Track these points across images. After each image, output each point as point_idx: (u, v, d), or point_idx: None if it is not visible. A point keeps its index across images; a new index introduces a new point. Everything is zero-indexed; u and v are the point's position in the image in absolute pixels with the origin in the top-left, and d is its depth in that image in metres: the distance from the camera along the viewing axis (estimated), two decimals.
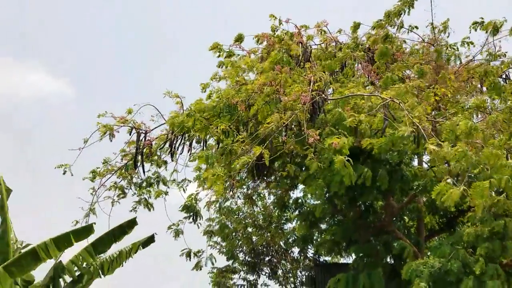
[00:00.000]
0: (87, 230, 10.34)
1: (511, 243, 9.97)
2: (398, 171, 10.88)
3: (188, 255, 14.45)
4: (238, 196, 15.98)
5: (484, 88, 10.40)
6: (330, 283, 12.00)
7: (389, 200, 11.94)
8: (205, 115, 9.36)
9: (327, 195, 11.78)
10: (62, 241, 10.23)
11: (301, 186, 16.20)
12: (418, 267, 9.37)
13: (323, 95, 8.79)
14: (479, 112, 10.54)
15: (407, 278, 9.56)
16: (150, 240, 12.32)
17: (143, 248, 12.25)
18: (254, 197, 16.60)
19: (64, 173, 9.51)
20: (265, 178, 14.93)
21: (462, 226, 10.88)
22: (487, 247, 9.65)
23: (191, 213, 12.53)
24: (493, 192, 9.80)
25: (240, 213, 17.53)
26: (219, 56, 10.85)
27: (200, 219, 12.91)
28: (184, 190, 12.19)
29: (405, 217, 13.78)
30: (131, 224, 11.10)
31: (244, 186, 16.24)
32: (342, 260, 17.03)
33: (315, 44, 11.37)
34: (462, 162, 7.10)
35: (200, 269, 18.31)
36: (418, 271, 9.30)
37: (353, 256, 13.18)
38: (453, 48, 10.76)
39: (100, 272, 11.37)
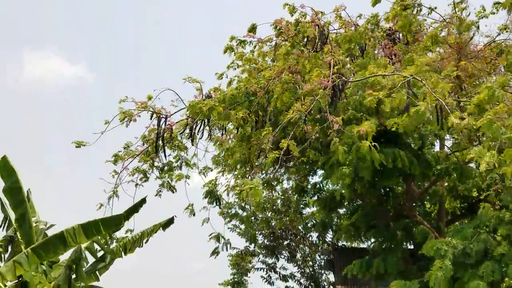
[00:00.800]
0: (117, 220, 10.40)
1: None
2: (420, 155, 10.73)
3: (218, 238, 14.74)
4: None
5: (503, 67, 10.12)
6: (347, 270, 12.08)
7: (410, 185, 11.84)
8: (224, 104, 9.38)
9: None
10: (91, 228, 10.25)
11: (320, 172, 16.28)
12: (442, 246, 9.30)
13: (344, 78, 8.68)
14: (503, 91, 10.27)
15: (429, 255, 9.51)
16: (170, 222, 12.48)
17: (164, 229, 12.43)
18: (273, 183, 16.63)
19: (78, 147, 9.34)
20: (284, 163, 15.02)
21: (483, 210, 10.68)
22: (510, 229, 9.52)
23: (214, 198, 12.68)
24: None
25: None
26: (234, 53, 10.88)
27: (222, 204, 13.05)
28: (205, 175, 12.29)
29: (426, 202, 13.65)
30: (141, 203, 11.13)
31: (264, 172, 16.30)
32: (362, 245, 17.06)
33: (334, 29, 11.21)
34: (490, 130, 6.96)
35: (217, 255, 18.71)
36: (441, 250, 9.24)
37: (372, 241, 13.23)
38: (475, 26, 10.44)
39: (123, 253, 11.60)
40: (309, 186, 16.57)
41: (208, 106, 8.81)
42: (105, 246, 11.15)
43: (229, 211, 16.20)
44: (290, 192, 17.55)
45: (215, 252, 18.53)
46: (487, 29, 11.42)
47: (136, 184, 10.37)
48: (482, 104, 7.59)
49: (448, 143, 12.41)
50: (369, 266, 11.46)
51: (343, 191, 12.31)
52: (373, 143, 7.95)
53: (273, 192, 17.22)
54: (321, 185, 16.25)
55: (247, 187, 7.49)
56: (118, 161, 10.39)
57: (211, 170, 12.59)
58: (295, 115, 7.98)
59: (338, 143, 8.39)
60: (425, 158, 10.75)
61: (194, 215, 13.30)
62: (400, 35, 11.43)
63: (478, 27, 11.62)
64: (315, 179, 16.57)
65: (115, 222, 10.44)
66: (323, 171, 14.59)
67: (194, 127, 9.91)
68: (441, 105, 7.62)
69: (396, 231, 12.14)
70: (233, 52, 10.84)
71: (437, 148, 12.34)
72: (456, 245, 9.44)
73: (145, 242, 11.94)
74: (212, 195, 12.61)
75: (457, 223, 13.43)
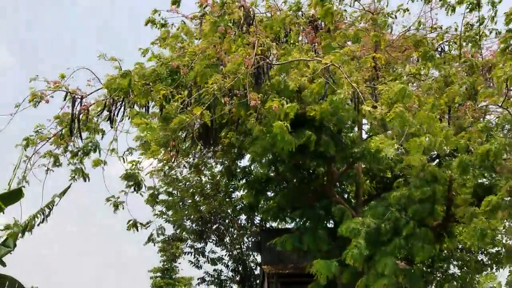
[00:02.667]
0: (16, 193, 9.54)
1: (440, 206, 10.74)
2: (338, 139, 11.22)
3: (134, 225, 14.20)
4: (184, 166, 15.85)
5: (416, 57, 10.85)
6: (276, 242, 12.40)
7: (331, 166, 12.37)
8: (145, 80, 9.06)
9: (270, 159, 11.95)
10: None
11: (248, 156, 16.49)
12: (356, 225, 9.86)
13: (268, 61, 8.78)
14: (414, 80, 11.03)
15: (346, 235, 10.06)
16: (66, 189, 11.61)
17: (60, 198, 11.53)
18: (201, 167, 16.55)
19: None
20: (212, 147, 14.98)
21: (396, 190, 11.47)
22: (417, 209, 10.32)
23: (133, 182, 12.28)
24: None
25: (187, 183, 17.47)
26: (156, 26, 10.53)
27: (143, 188, 12.70)
28: (124, 160, 11.84)
29: (345, 183, 14.36)
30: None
31: (191, 156, 16.13)
32: (288, 226, 17.63)
33: (260, 13, 11.27)
34: (398, 121, 7.43)
35: (153, 242, 18.27)
36: (355, 229, 9.80)
37: (297, 221, 13.69)
38: (391, 17, 11.05)
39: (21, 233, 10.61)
40: (238, 170, 16.74)
41: (127, 81, 8.43)
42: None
43: (155, 197, 15.82)
44: (219, 176, 17.59)
45: (150, 240, 18.11)
46: (405, 19, 12.18)
47: (47, 169, 9.73)
48: (394, 98, 8.08)
49: (366, 127, 13.13)
50: (301, 241, 11.92)
51: (262, 170, 12.57)
52: (288, 125, 8.17)
53: (202, 176, 17.14)
54: (249, 168, 16.48)
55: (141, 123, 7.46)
56: (29, 145, 9.69)
57: (134, 150, 12.14)
58: (214, 86, 7.93)
59: (257, 123, 8.52)
60: (342, 141, 11.25)
61: (117, 207, 12.80)
62: (322, 23, 11.82)
63: (395, 17, 12.35)
64: (244, 163, 16.82)
65: (15, 195, 9.47)
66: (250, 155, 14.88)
67: (112, 107, 9.48)
68: (356, 94, 8.02)
69: (317, 211, 12.67)
70: (155, 26, 10.50)
71: (355, 133, 12.96)
72: (369, 223, 10.07)
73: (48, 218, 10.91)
74: (131, 178, 12.18)
75: (372, 202, 14.32)
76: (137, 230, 14.00)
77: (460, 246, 15.94)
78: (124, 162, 12.17)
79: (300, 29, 11.24)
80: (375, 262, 9.84)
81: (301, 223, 13.21)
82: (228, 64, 8.53)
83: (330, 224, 13.56)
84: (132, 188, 12.53)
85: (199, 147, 13.68)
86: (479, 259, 16.44)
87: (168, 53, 9.99)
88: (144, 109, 10.58)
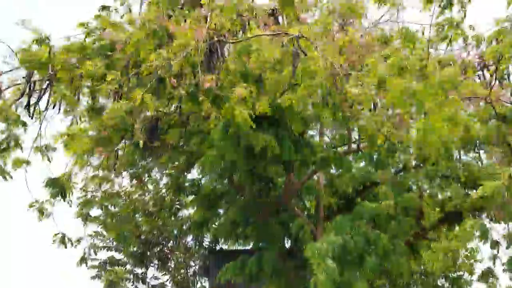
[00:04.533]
0: None
1: (412, 219, 9.66)
2: (301, 141, 9.93)
3: (63, 241, 12.05)
4: (123, 177, 13.86)
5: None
6: (220, 275, 10.79)
7: (289, 175, 11.03)
8: (72, 56, 7.42)
9: (224, 166, 10.41)
10: None
11: (198, 167, 14.85)
12: (322, 245, 8.46)
13: (222, 38, 7.46)
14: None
15: (313, 259, 8.62)
16: None
17: None
18: (143, 178, 14.64)
19: None
20: (156, 153, 13.24)
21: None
22: (388, 223, 9.16)
23: (58, 189, 10.24)
24: None
25: (126, 198, 15.40)
26: None
27: (70, 196, 10.65)
28: (49, 159, 9.89)
29: (304, 197, 13.09)
30: None
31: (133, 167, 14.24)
32: (240, 248, 15.94)
33: None
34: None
35: (86, 263, 15.94)
36: (323, 249, 8.38)
37: (251, 239, 12.14)
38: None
39: None
40: (186, 184, 15.03)
41: (45, 50, 6.75)
42: None
43: (87, 210, 13.66)
44: (164, 190, 15.71)
45: (83, 260, 15.81)
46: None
47: None
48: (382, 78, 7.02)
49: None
50: (243, 267, 10.29)
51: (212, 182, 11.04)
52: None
53: (144, 188, 15.18)
54: (199, 181, 14.85)
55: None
56: None
57: (54, 151, 10.15)
58: (155, 63, 6.44)
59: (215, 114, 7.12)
60: (306, 143, 9.97)
61: (42, 214, 10.85)
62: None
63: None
64: (194, 174, 15.17)
65: None
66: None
67: (30, 88, 7.68)
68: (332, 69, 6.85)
69: (273, 227, 11.22)
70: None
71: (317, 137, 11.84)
72: (334, 241, 8.73)
73: None
74: (56, 184, 10.15)
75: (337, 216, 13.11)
76: (65, 246, 11.93)
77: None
78: (49, 161, 10.24)
79: (258, 19, 10.12)
80: (348, 285, 8.43)
81: (255, 241, 11.69)
82: (177, 39, 7.10)
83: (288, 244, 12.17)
84: (59, 196, 10.50)
85: (141, 151, 11.97)
86: (440, 284, 15.64)
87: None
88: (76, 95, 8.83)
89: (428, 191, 9.85)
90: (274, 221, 11.24)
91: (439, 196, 10.13)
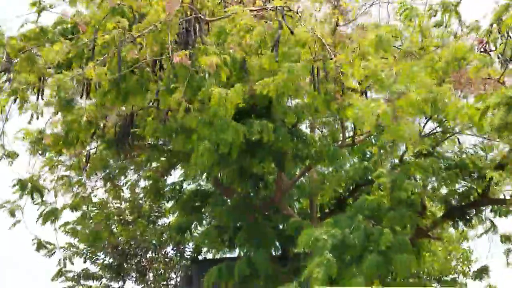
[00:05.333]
0: None
1: (414, 214, 8.88)
2: (294, 133, 9.09)
3: (40, 246, 10.99)
4: (96, 181, 12.67)
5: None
6: (206, 281, 9.79)
7: (281, 173, 10.16)
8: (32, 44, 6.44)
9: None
10: None
11: (179, 171, 13.83)
12: (320, 235, 7.57)
13: (200, 15, 6.61)
14: None
15: (306, 248, 7.74)
16: None
17: None
18: (118, 182, 13.47)
19: None
20: (132, 153, 12.16)
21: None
22: (390, 216, 8.36)
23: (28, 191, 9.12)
24: None
25: (100, 204, 14.13)
26: None
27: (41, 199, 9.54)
28: (11, 160, 8.79)
29: (295, 196, 12.24)
30: None
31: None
32: (226, 256, 14.88)
33: None
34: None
35: (62, 276, 14.68)
36: (319, 240, 7.49)
37: (239, 244, 11.15)
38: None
39: None
40: (166, 189, 13.97)
41: None
42: None
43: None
44: (142, 195, 14.56)
45: (60, 273, 14.49)
46: None
47: None
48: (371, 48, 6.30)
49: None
50: (231, 271, 9.32)
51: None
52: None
53: (119, 193, 13.98)
54: (180, 185, 13.82)
55: None
56: None
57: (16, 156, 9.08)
58: (113, 34, 5.51)
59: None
60: (300, 135, 9.12)
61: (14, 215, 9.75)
62: None
63: None
64: (175, 177, 14.13)
65: None
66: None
67: None
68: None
69: (265, 229, 10.30)
70: None
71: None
72: (335, 234, 7.87)
73: None
74: (24, 186, 9.02)
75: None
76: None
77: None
78: (10, 164, 9.10)
79: None
80: (344, 282, 7.54)
81: (244, 246, 10.73)
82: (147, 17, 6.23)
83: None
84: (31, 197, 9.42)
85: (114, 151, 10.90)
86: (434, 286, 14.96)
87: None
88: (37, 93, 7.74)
89: (430, 185, 9.14)
90: (265, 223, 10.33)
91: (443, 190, 9.45)
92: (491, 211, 9.83)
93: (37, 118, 7.69)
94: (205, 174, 8.78)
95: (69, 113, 7.59)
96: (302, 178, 12.04)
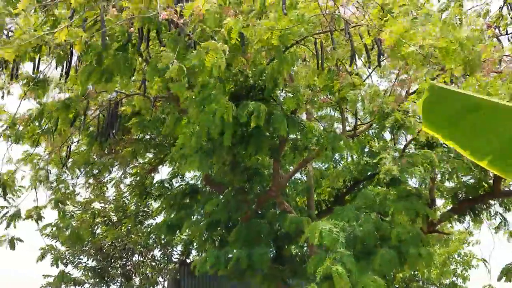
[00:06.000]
0: None
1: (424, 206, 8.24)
2: (292, 121, 8.39)
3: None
4: (77, 177, 11.78)
5: None
6: (198, 265, 8.96)
7: (277, 166, 9.45)
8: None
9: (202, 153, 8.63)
10: None
11: (166, 169, 13.07)
12: (332, 226, 6.86)
13: None
14: None
15: (312, 242, 7.03)
16: None
17: None
18: (101, 179, 12.61)
19: None
20: (117, 148, 11.35)
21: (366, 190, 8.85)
22: (397, 208, 7.71)
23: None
24: None
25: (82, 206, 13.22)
26: None
27: (13, 195, 8.67)
28: None
29: (292, 192, 11.55)
30: None
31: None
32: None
33: None
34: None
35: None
36: (331, 233, 6.78)
37: (232, 243, 10.38)
38: None
39: None
40: (154, 187, 13.16)
41: None
42: None
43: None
44: (127, 193, 13.70)
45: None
46: None
47: None
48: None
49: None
50: (227, 260, 8.57)
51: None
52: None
53: (103, 191, 13.12)
54: (170, 183, 13.01)
55: None
56: None
57: None
58: None
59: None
60: (298, 123, 8.42)
61: None
62: None
63: None
64: (162, 174, 13.34)
65: None
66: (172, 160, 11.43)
67: None
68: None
69: (260, 226, 9.56)
70: None
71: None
72: (344, 227, 7.19)
73: None
74: None
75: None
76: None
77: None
78: None
79: None
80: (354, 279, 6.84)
81: (237, 245, 9.97)
82: None
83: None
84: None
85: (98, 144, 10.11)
86: None
87: None
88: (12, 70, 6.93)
89: (439, 177, 8.54)
90: (260, 221, 9.61)
91: (450, 183, 8.88)
92: (500, 205, 9.28)
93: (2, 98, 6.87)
94: (196, 167, 8.00)
95: (43, 92, 6.77)
96: (298, 174, 11.43)
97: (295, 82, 7.94)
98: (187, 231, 12.50)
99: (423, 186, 8.43)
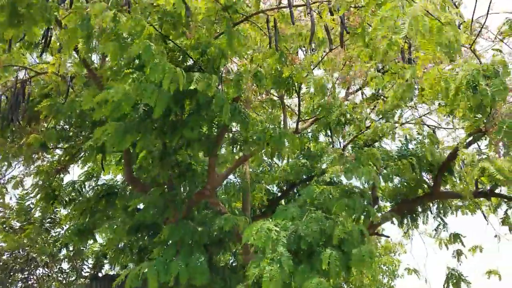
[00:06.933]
0: None
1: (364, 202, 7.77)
2: (235, 108, 7.51)
3: None
4: None
5: None
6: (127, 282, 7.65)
7: (212, 161, 8.49)
8: None
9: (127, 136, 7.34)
10: None
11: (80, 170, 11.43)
12: (270, 226, 6.09)
13: None
14: None
15: (250, 242, 6.17)
16: None
17: None
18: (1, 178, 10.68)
19: None
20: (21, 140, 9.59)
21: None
22: (343, 205, 7.17)
23: None
24: None
25: None
26: None
27: None
28: None
29: (223, 193, 10.64)
30: None
31: None
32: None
33: None
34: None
35: None
36: (271, 232, 5.99)
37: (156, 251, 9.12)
38: None
39: None
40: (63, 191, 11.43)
41: None
42: None
43: None
44: (32, 195, 11.79)
45: None
46: None
47: None
48: None
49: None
50: (165, 272, 7.34)
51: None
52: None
53: (3, 192, 11.12)
54: (81, 186, 11.41)
55: None
56: None
57: None
58: None
59: None
60: (242, 112, 7.56)
61: None
62: None
63: None
64: (74, 174, 11.68)
65: None
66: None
67: None
68: None
69: (192, 229, 8.45)
70: None
71: None
72: (287, 226, 6.45)
73: None
74: None
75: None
76: None
77: None
78: None
79: None
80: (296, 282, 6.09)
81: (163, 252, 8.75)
82: None
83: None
84: None
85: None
86: None
87: None
88: None
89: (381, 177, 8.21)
90: (190, 224, 8.51)
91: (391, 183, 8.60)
92: (436, 209, 9.21)
93: None
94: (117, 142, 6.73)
95: None
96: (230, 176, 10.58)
97: (241, 65, 7.18)
98: (101, 237, 10.97)
99: (366, 184, 8.04)
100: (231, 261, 11.01)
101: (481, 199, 8.61)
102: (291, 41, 6.77)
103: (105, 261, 13.52)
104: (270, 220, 6.70)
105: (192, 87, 5.71)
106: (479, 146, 7.39)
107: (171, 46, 6.94)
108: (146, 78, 5.95)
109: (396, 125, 8.29)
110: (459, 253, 9.50)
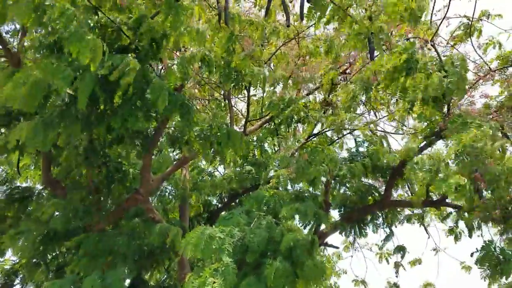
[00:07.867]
0: None
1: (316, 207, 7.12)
2: (177, 98, 6.57)
3: None
4: None
5: None
6: None
7: (147, 161, 7.41)
8: None
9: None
10: None
11: None
12: (215, 233, 5.21)
13: None
14: None
15: (196, 255, 5.22)
16: None
17: None
18: None
19: None
20: None
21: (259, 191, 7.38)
22: (292, 210, 6.47)
23: None
24: None
25: None
26: None
27: None
28: None
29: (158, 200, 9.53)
30: None
31: None
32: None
33: None
34: None
35: None
36: (214, 240, 5.12)
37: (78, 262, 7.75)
38: None
39: None
40: None
41: None
42: None
43: None
44: None
45: None
46: None
47: None
48: None
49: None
50: None
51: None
52: None
53: None
54: None
55: None
56: None
57: None
58: None
59: None
60: (185, 103, 6.64)
61: None
62: None
63: None
64: None
65: None
66: None
67: None
68: None
69: (116, 241, 7.22)
70: None
71: None
72: (233, 233, 5.60)
73: None
74: None
75: (222, 213, 9.77)
76: None
77: None
78: None
79: None
80: None
81: (84, 264, 7.42)
82: None
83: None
84: None
85: None
86: None
87: None
88: None
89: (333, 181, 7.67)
90: (121, 231, 7.32)
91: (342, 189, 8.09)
92: (384, 218, 8.81)
93: None
94: (32, 142, 5.45)
95: None
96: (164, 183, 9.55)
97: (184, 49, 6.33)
98: (12, 252, 9.29)
99: (318, 188, 7.43)
100: (163, 279, 9.84)
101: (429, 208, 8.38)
102: (243, 27, 6.07)
103: (17, 280, 11.69)
104: (213, 227, 5.81)
105: (111, 78, 4.77)
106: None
107: (103, 22, 5.95)
108: (66, 59, 4.95)
109: (347, 129, 7.84)
110: (397, 265, 9.22)
